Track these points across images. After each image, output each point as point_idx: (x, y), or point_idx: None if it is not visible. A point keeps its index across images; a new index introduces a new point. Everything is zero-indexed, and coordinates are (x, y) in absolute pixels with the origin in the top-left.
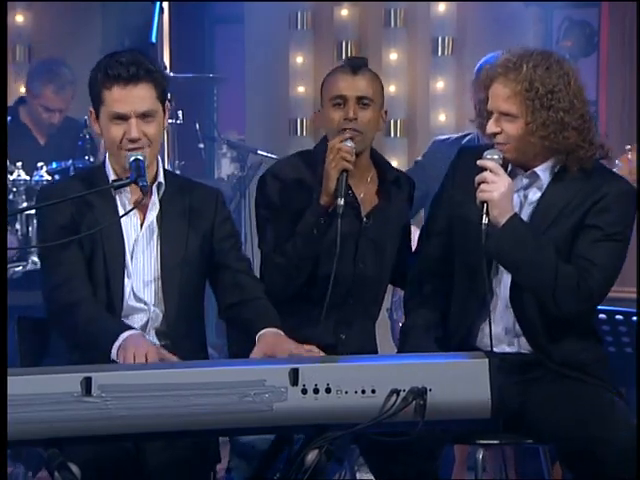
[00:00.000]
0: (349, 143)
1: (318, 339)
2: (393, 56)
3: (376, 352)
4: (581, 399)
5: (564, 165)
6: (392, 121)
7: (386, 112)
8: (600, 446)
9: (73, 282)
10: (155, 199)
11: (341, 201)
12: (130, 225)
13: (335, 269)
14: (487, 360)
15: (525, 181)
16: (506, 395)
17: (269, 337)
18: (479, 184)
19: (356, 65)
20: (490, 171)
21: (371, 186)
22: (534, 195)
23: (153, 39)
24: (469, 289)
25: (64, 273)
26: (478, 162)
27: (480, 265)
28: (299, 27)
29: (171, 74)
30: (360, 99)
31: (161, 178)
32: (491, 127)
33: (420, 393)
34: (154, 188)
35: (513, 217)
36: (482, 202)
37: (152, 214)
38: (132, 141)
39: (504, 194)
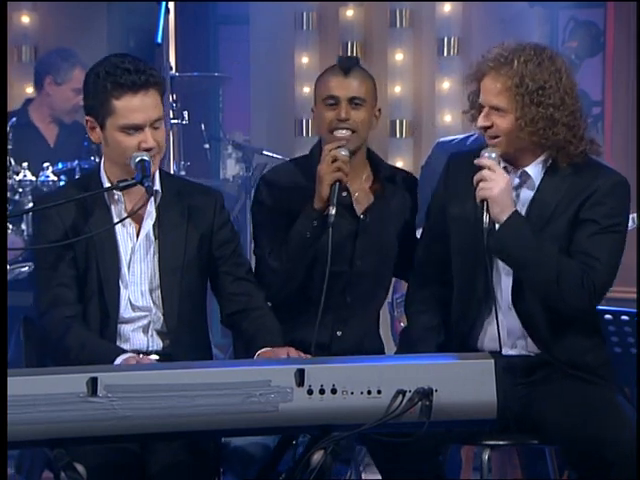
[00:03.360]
0: (344, 152)
1: (312, 338)
2: (399, 56)
3: (379, 350)
4: (587, 399)
5: (555, 161)
6: (398, 121)
7: (380, 110)
8: (605, 447)
9: (62, 306)
10: (151, 208)
11: (333, 210)
12: (126, 235)
13: (330, 270)
14: (493, 361)
15: (516, 180)
16: (511, 397)
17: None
18: (477, 182)
19: (347, 65)
20: (488, 169)
21: (366, 184)
22: (526, 194)
23: (159, 40)
24: (469, 292)
25: (55, 295)
26: (475, 161)
27: (479, 268)
28: (304, 27)
29: (177, 74)
30: (352, 99)
31: (157, 186)
32: (481, 121)
33: (426, 394)
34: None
35: (514, 214)
36: (482, 200)
37: (148, 223)
38: (148, 150)
39: (503, 190)
